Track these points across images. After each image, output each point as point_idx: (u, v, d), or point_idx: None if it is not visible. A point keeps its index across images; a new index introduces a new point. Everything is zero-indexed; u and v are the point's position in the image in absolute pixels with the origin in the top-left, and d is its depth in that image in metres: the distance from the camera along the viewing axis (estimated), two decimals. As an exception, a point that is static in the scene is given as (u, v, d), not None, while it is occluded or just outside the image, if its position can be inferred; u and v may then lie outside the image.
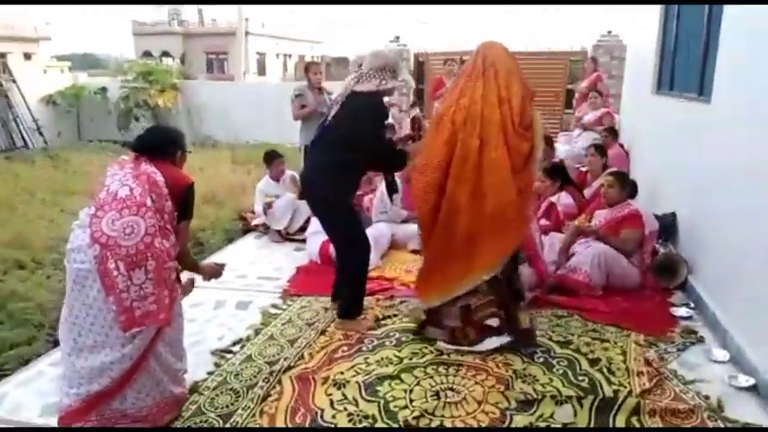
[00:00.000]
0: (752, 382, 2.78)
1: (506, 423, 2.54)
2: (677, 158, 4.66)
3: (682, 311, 3.65)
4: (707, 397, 2.71)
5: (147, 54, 29.96)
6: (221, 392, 2.80)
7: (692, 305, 3.73)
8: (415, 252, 4.82)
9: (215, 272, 3.04)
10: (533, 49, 10.95)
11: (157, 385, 2.49)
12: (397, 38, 11.34)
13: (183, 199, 2.53)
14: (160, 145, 2.62)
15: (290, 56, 36.79)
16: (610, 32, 9.82)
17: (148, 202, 2.34)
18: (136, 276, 2.28)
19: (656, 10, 5.97)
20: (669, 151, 4.94)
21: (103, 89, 12.88)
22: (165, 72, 13.27)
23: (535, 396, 2.69)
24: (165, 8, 39.16)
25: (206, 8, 40.15)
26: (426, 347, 3.20)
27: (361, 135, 3.26)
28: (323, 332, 3.42)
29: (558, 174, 4.97)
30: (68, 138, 12.53)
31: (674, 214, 4.55)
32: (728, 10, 3.67)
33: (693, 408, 2.60)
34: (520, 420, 2.54)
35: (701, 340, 3.30)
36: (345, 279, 3.58)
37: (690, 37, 4.85)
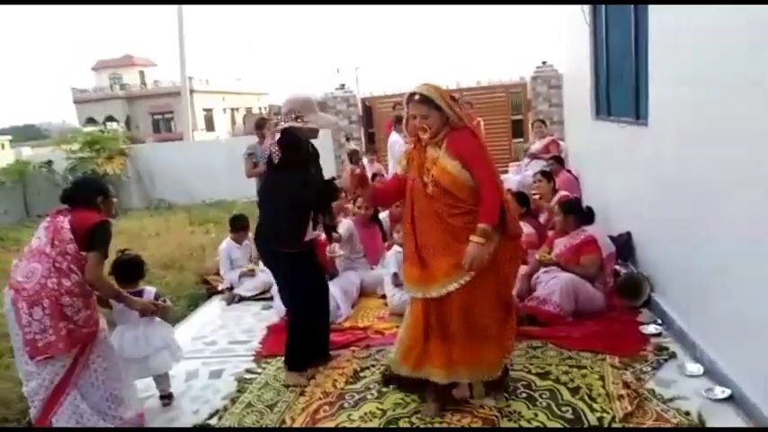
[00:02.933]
0: (728, 392, 2.85)
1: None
2: (624, 180, 4.85)
3: (651, 329, 3.74)
4: (687, 413, 2.76)
5: (91, 120, 29.55)
6: (203, 471, 2.69)
7: (660, 321, 3.84)
8: (384, 297, 4.82)
9: (147, 308, 3.19)
10: (473, 84, 11.29)
11: (86, 421, 2.79)
12: (342, 85, 11.56)
13: (90, 236, 2.79)
14: (80, 194, 2.96)
15: (237, 109, 36.90)
16: (545, 63, 10.25)
17: (47, 249, 2.74)
18: (35, 313, 2.67)
19: (586, 36, 6.25)
20: (616, 173, 5.14)
21: (49, 162, 12.55)
22: (111, 139, 13.03)
23: (523, 434, 2.69)
24: (106, 73, 38.90)
25: (147, 69, 40.05)
26: (408, 396, 3.17)
27: (279, 178, 3.34)
28: (302, 393, 3.35)
29: (524, 203, 5.18)
30: (16, 215, 12.09)
31: (629, 233, 4.71)
32: (654, 31, 3.90)
33: (677, 426, 2.65)
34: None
35: (673, 356, 3.38)
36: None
37: (620, 61, 5.10)
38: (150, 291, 3.42)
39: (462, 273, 2.72)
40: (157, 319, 3.41)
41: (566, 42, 7.94)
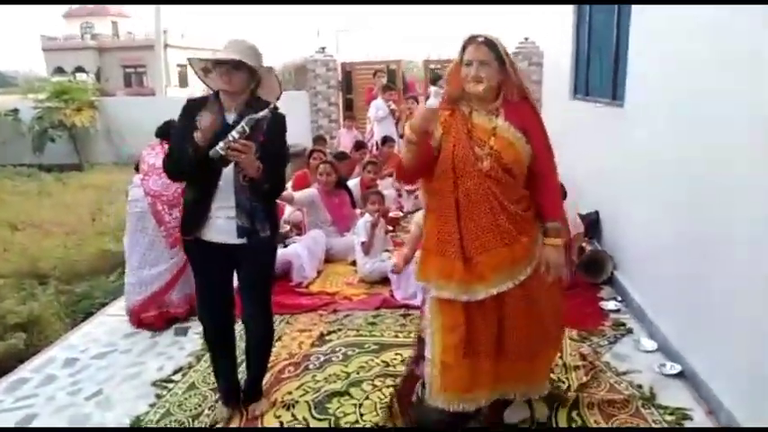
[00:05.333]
0: (678, 368, 2.98)
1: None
2: (596, 160, 4.92)
3: (610, 305, 3.86)
4: (639, 386, 2.89)
5: (60, 70, 28.51)
6: (166, 425, 2.71)
7: (620, 298, 3.96)
8: (353, 264, 4.85)
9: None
10: (451, 57, 11.25)
11: (189, 286, 3.62)
12: (323, 48, 11.36)
13: None
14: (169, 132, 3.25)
15: (213, 67, 35.93)
16: (527, 39, 10.21)
17: None
18: (174, 213, 3.62)
19: (570, 15, 6.27)
20: (588, 153, 5.21)
21: (15, 110, 12.13)
22: (80, 90, 12.65)
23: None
24: (77, 22, 37.46)
25: (121, 20, 38.67)
26: (373, 360, 3.23)
27: None
28: (268, 353, 3.37)
29: None
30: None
31: (597, 213, 4.82)
32: (636, 15, 3.93)
33: (628, 398, 2.77)
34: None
35: (630, 332, 3.51)
36: None
37: (602, 42, 5.13)
38: None
39: (520, 270, 2.25)
40: None
41: (549, 19, 7.92)
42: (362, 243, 4.55)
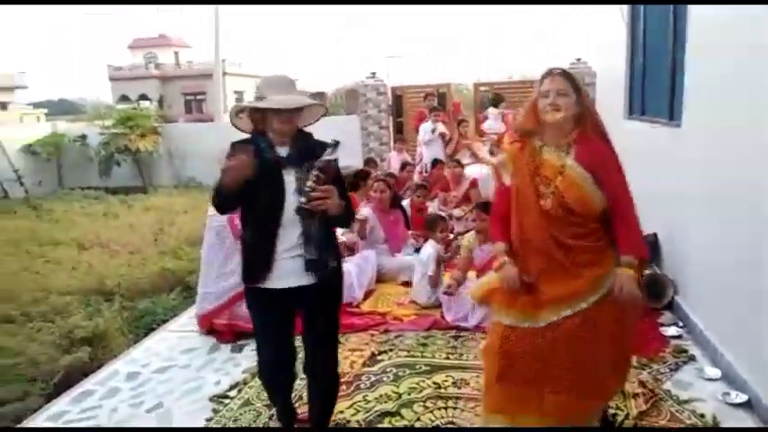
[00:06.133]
0: (744, 398, 2.84)
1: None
2: (653, 181, 4.79)
3: (671, 331, 3.72)
4: (702, 415, 2.76)
5: (125, 98, 30.02)
6: (222, 440, 2.78)
7: (681, 324, 3.81)
8: (405, 284, 4.86)
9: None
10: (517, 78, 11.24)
11: None
12: (374, 74, 11.58)
13: None
14: None
15: (267, 94, 37.04)
16: (579, 60, 10.12)
17: None
18: None
19: (623, 32, 6.18)
20: (645, 174, 5.06)
21: (83, 136, 12.88)
22: (144, 116, 13.32)
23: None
24: (141, 53, 39.46)
25: (182, 50, 40.53)
26: (424, 381, 3.22)
27: None
28: (320, 371, 3.42)
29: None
30: (49, 186, 12.45)
31: (655, 235, 4.67)
32: (692, 31, 3.84)
33: (690, 427, 2.65)
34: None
35: (692, 359, 3.37)
36: None
37: (657, 60, 5.03)
38: None
39: (581, 299, 2.21)
40: None
41: (600, 40, 7.83)
42: (430, 276, 4.36)
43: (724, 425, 2.68)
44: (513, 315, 2.29)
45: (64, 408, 3.19)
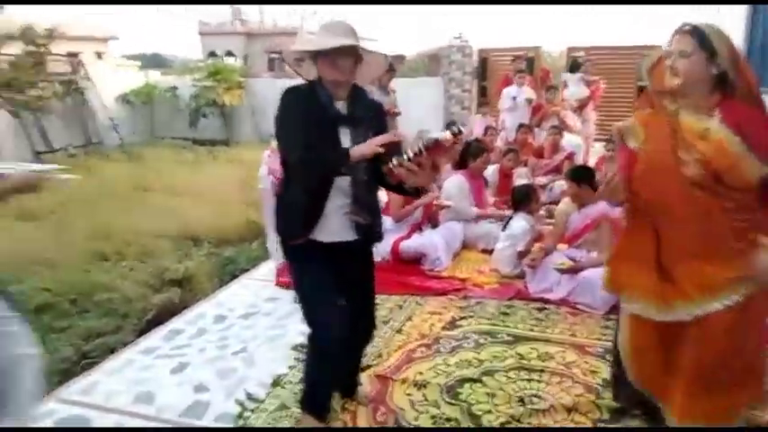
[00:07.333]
0: None
1: (597, 433, 2.44)
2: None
3: None
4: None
5: (213, 54, 30.84)
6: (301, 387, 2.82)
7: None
8: (485, 252, 4.75)
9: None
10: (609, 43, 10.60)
11: None
12: (460, 34, 11.23)
13: None
14: None
15: (349, 53, 37.01)
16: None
17: None
18: None
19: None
20: None
21: (174, 88, 13.33)
22: (230, 71, 13.59)
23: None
24: (228, 8, 40.29)
25: (266, 8, 41.08)
26: (507, 351, 3.14)
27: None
28: (399, 331, 3.41)
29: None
30: (142, 135, 13.03)
31: None
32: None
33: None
34: None
35: None
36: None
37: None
38: None
39: (734, 289, 1.92)
40: None
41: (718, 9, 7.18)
42: (520, 252, 4.22)
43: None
44: (640, 303, 2.06)
45: (156, 343, 3.35)
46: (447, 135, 1.99)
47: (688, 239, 1.96)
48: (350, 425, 2.55)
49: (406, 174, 2.02)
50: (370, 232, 2.28)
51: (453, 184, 5.00)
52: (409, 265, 4.46)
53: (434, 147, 1.99)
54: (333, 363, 2.35)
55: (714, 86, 1.94)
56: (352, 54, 2.13)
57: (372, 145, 2.03)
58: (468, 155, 5.08)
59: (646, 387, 2.20)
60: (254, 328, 3.52)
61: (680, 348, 2.03)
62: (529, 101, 8.02)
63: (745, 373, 2.03)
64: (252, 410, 2.68)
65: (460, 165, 5.17)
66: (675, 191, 1.95)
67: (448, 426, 2.52)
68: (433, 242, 4.56)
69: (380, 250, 4.78)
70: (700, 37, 1.92)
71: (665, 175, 1.96)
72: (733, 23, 5.95)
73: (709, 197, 1.91)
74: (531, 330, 3.40)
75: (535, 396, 2.70)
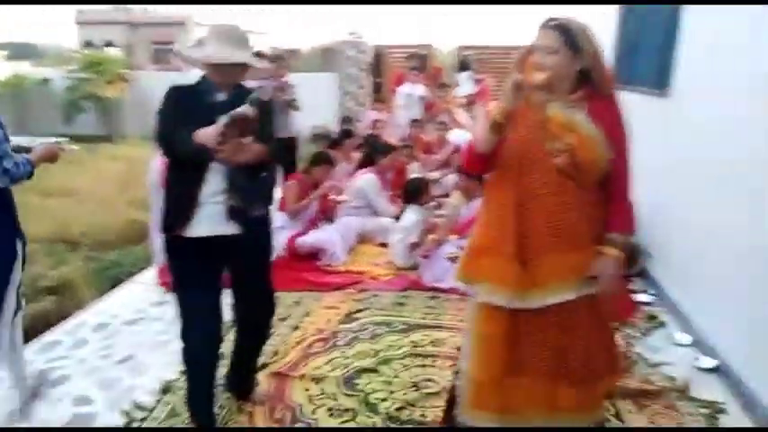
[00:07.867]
0: (714, 363, 2.92)
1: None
2: (636, 150, 4.80)
3: (643, 297, 3.79)
4: (673, 378, 2.83)
5: (89, 44, 28.73)
6: (196, 392, 2.72)
7: (652, 292, 3.88)
8: (382, 245, 4.83)
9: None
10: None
11: None
12: (355, 31, 11.29)
13: None
14: None
15: (240, 47, 35.91)
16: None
17: None
18: None
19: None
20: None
21: (46, 80, 12.30)
22: (112, 62, 12.75)
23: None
24: (108, -3, 37.71)
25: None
26: (401, 339, 3.22)
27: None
28: (296, 327, 3.39)
29: None
30: (11, 130, 11.88)
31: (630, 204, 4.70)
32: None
33: (662, 389, 2.72)
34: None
35: (662, 325, 3.45)
36: None
37: (650, 28, 4.96)
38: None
39: (589, 280, 1.96)
40: None
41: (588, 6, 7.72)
42: (413, 244, 4.30)
43: (694, 388, 2.75)
44: (497, 293, 1.96)
45: (29, 357, 3.07)
46: (246, 105, 2.04)
47: (552, 229, 1.94)
48: (247, 425, 2.50)
49: (226, 153, 2.05)
50: (250, 221, 2.22)
51: (368, 183, 5.04)
52: (305, 261, 4.44)
53: (238, 118, 2.01)
54: (202, 366, 2.32)
55: (578, 82, 1.96)
56: (242, 64, 2.23)
57: (218, 127, 2.00)
58: (377, 152, 5.13)
59: (484, 409, 2.07)
60: (142, 334, 3.34)
61: (525, 348, 2.01)
62: (422, 98, 8.22)
63: (610, 361, 2.10)
64: (141, 420, 2.55)
65: (367, 163, 5.21)
66: (541, 180, 1.95)
67: (345, 416, 2.55)
68: (330, 237, 4.57)
69: (276, 246, 4.72)
70: (565, 34, 1.91)
71: (533, 164, 1.96)
72: (606, 24, 6.43)
73: (575, 188, 1.93)
74: (424, 318, 3.52)
75: (428, 380, 2.80)
